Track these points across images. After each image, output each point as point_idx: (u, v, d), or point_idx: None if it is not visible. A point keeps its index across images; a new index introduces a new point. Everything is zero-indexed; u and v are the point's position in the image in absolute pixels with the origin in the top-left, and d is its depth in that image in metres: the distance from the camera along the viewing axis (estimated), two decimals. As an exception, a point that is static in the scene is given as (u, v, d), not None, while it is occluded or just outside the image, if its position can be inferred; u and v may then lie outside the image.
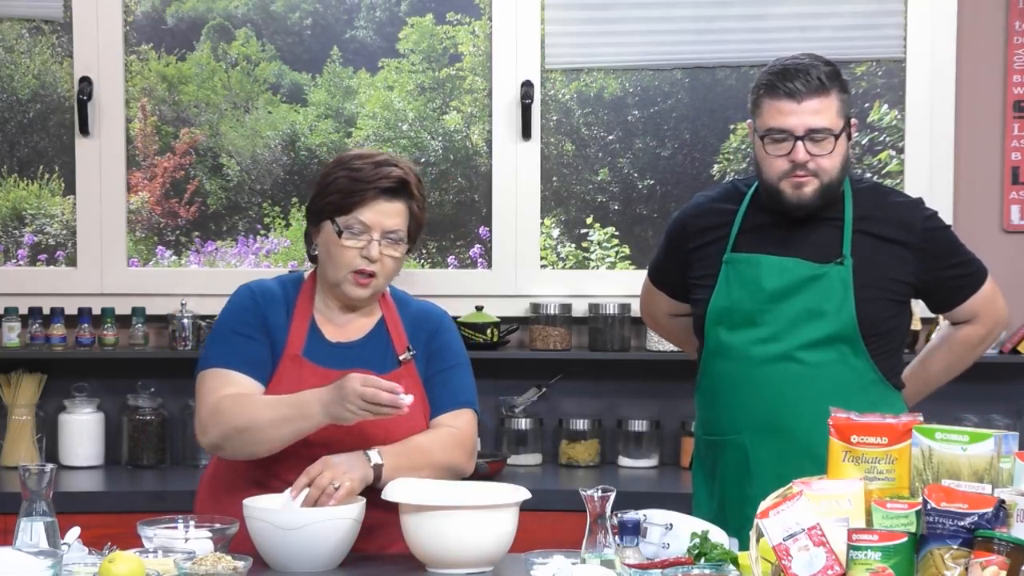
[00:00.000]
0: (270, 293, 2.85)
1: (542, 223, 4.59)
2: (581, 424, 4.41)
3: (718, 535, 2.45)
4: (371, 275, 2.77)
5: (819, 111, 2.93)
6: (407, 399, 2.59)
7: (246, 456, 2.75)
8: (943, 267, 3.04)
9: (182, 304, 4.40)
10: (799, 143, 2.94)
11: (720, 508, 3.06)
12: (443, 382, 2.87)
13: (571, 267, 4.66)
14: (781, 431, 2.97)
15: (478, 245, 4.64)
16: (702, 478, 3.15)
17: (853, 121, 3.03)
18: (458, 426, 2.84)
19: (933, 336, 3.20)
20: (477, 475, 3.99)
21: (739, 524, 2.79)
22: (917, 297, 3.10)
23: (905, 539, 2.12)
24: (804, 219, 3.02)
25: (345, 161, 2.82)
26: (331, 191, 2.79)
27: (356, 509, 2.61)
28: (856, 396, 2.89)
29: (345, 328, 2.86)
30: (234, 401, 2.73)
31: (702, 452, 3.16)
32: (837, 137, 2.95)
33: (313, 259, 2.87)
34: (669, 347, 4.30)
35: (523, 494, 2.59)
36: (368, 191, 2.76)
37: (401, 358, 2.84)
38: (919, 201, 3.11)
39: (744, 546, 2.37)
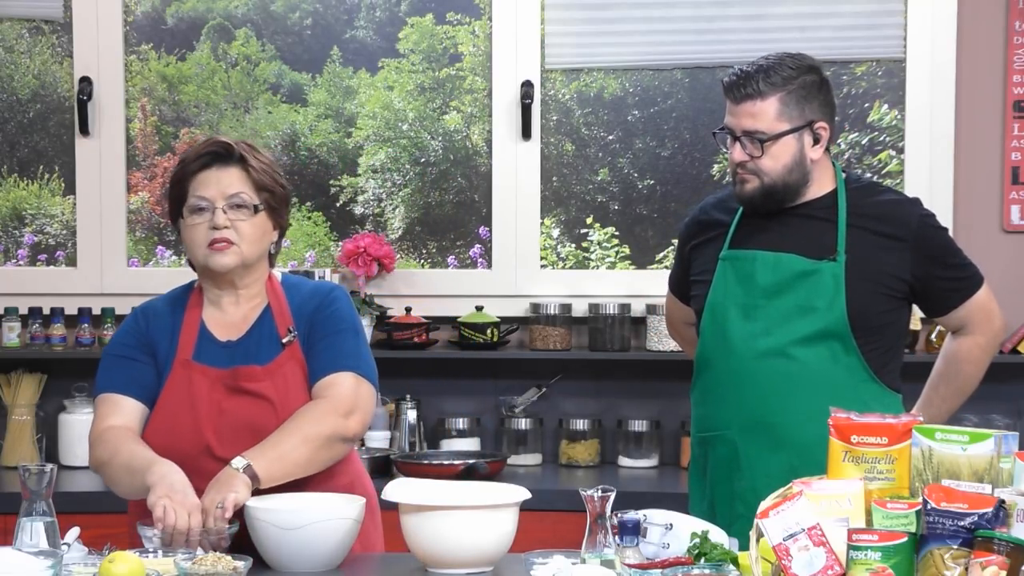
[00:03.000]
0: (154, 311, 2.86)
1: (542, 223, 4.59)
2: (581, 424, 4.41)
3: (718, 535, 2.45)
4: (227, 241, 2.74)
5: (753, 114, 2.98)
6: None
7: (114, 490, 2.75)
8: (938, 267, 3.03)
9: (182, 304, 4.40)
10: (736, 142, 3.01)
11: (710, 506, 3.06)
12: (325, 348, 2.78)
13: (571, 267, 4.66)
14: (770, 427, 2.98)
15: (478, 245, 4.64)
16: (696, 477, 3.15)
17: (821, 124, 3.00)
18: (330, 394, 2.74)
19: (936, 361, 3.19)
20: (477, 475, 4.00)
21: (728, 520, 2.80)
22: (913, 299, 3.09)
23: (905, 539, 2.12)
24: (800, 215, 3.04)
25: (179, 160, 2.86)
26: (169, 188, 2.82)
27: (356, 509, 2.61)
28: (848, 394, 2.90)
29: (234, 324, 2.82)
30: (111, 436, 2.73)
31: (696, 451, 3.16)
32: (771, 140, 2.96)
33: (191, 264, 2.85)
34: (669, 347, 4.30)
35: (523, 494, 2.59)
36: (192, 165, 2.77)
37: (284, 341, 2.78)
38: (916, 200, 3.12)
39: (743, 545, 2.37)
